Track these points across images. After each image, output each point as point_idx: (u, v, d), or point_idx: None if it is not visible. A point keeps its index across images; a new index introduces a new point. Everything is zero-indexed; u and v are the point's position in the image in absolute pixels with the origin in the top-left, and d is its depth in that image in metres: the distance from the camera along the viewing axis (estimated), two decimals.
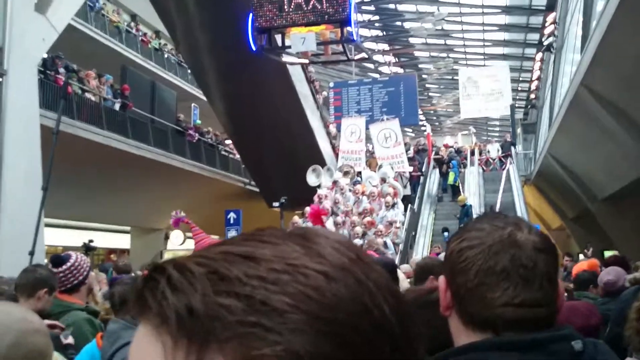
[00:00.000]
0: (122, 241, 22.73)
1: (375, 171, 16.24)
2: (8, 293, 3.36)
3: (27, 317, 1.44)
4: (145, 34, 23.11)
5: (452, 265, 1.04)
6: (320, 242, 0.44)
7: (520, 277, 0.99)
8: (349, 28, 10.72)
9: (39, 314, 3.06)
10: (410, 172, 17.82)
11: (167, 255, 20.83)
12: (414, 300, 2.18)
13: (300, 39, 10.18)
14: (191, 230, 2.51)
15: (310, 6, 9.99)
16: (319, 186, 14.64)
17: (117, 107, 16.70)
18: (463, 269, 1.01)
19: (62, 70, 14.33)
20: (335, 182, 14.72)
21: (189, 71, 20.96)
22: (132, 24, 23.27)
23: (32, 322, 1.42)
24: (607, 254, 17.11)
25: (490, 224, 1.04)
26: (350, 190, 14.40)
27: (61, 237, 19.18)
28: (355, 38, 10.71)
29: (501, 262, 0.99)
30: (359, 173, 16.15)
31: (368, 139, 21.04)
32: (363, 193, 13.95)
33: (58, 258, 3.58)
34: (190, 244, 23.19)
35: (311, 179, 15.19)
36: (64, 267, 3.49)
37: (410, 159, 17.89)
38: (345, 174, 15.94)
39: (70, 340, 2.92)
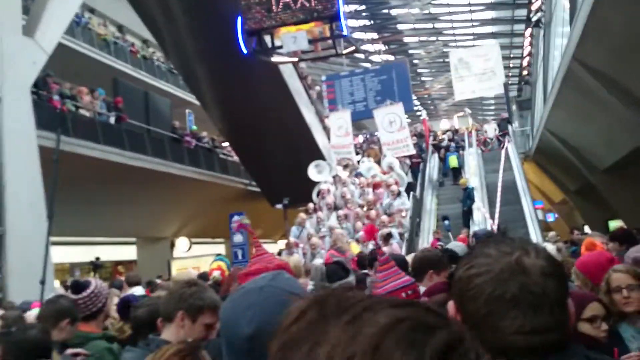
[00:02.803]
0: (128, 252, 22.79)
1: (375, 161, 16.27)
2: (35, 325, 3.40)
3: None
4: (133, 44, 23.04)
5: (461, 292, 1.04)
6: None
7: (529, 305, 0.99)
8: (337, 22, 10.70)
9: (60, 345, 3.10)
10: (411, 159, 17.85)
11: (174, 264, 20.86)
12: None
13: (292, 38, 10.16)
14: (252, 242, 2.51)
15: (299, 5, 9.97)
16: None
17: (112, 120, 16.68)
18: (472, 296, 1.02)
19: (55, 90, 14.29)
20: (335, 177, 14.75)
21: (181, 77, 20.92)
22: (119, 35, 23.20)
23: None
24: (612, 223, 17.24)
25: (496, 249, 1.04)
26: (353, 184, 14.43)
27: (68, 253, 19.25)
28: (345, 33, 10.69)
29: (510, 290, 0.99)
30: (358, 162, 16.22)
31: (360, 128, 20.97)
32: (368, 185, 13.99)
33: (78, 284, 3.57)
34: (195, 251, 23.23)
35: (314, 175, 15.20)
36: (84, 294, 3.48)
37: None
38: (345, 167, 15.97)
39: None
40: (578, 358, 1.04)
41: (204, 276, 8.44)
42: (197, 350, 1.70)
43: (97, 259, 16.70)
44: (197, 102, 19.61)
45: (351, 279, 2.88)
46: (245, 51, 11.07)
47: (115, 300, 4.87)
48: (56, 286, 12.09)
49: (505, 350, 0.98)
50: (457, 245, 5.66)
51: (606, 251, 4.22)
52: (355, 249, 9.63)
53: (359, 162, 16.31)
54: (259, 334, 1.09)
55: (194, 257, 21.51)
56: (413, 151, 17.49)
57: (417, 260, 3.46)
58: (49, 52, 10.62)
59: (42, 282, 5.33)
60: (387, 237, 10.45)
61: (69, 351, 3.04)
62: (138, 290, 6.36)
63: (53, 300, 3.45)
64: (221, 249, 23.71)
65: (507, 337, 0.98)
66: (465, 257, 1.10)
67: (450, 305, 1.06)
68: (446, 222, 14.18)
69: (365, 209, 12.94)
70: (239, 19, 10.80)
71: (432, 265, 3.18)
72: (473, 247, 1.14)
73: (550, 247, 8.06)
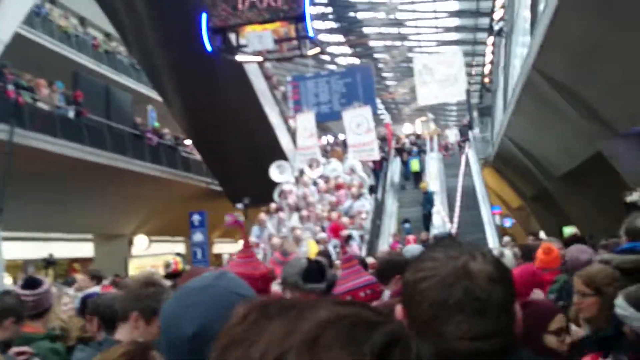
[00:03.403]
0: (85, 249, 22.25)
1: (340, 161, 16.35)
2: None
3: None
4: (95, 38, 22.55)
5: (408, 296, 1.03)
6: None
7: (474, 310, 0.97)
8: (303, 24, 10.70)
9: (4, 344, 2.99)
10: (374, 162, 17.97)
11: (132, 263, 20.47)
12: None
13: (257, 37, 10.13)
14: (243, 242, 2.40)
15: (265, 4, 9.94)
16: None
17: (71, 114, 16.29)
18: (418, 301, 1.00)
19: (10, 81, 13.87)
20: (297, 178, 14.74)
21: (144, 73, 20.57)
22: (81, 28, 22.69)
23: None
24: (566, 230, 17.69)
25: (444, 253, 1.03)
26: (315, 185, 14.45)
27: (21, 249, 18.66)
28: (310, 34, 10.70)
29: (455, 294, 0.97)
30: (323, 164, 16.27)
31: (325, 130, 20.89)
32: (326, 191, 14.02)
33: (33, 280, 3.46)
34: (155, 249, 22.84)
35: (276, 175, 15.16)
36: (40, 290, 3.37)
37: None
38: (311, 166, 15.97)
39: None
40: None
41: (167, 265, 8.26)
42: (146, 350, 1.67)
43: (51, 255, 16.26)
44: (159, 99, 19.34)
45: (323, 285, 2.82)
46: (209, 49, 10.98)
47: (65, 299, 4.72)
48: (7, 283, 11.73)
49: (449, 356, 0.97)
50: (416, 248, 5.71)
51: (535, 263, 4.29)
52: (314, 248, 9.64)
53: (323, 164, 16.34)
54: (201, 334, 1.06)
55: (153, 256, 21.17)
56: (378, 156, 17.57)
57: (384, 263, 3.39)
58: (5, 42, 10.32)
59: None
60: (347, 239, 10.50)
61: (14, 349, 2.93)
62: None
63: None
64: (181, 247, 23.37)
65: (452, 342, 0.97)
66: (414, 261, 1.09)
67: (398, 310, 1.05)
68: (407, 225, 14.33)
69: (326, 212, 12.98)
70: (204, 16, 10.70)
71: (399, 270, 3.05)
72: (424, 250, 1.14)
73: (508, 252, 8.20)
